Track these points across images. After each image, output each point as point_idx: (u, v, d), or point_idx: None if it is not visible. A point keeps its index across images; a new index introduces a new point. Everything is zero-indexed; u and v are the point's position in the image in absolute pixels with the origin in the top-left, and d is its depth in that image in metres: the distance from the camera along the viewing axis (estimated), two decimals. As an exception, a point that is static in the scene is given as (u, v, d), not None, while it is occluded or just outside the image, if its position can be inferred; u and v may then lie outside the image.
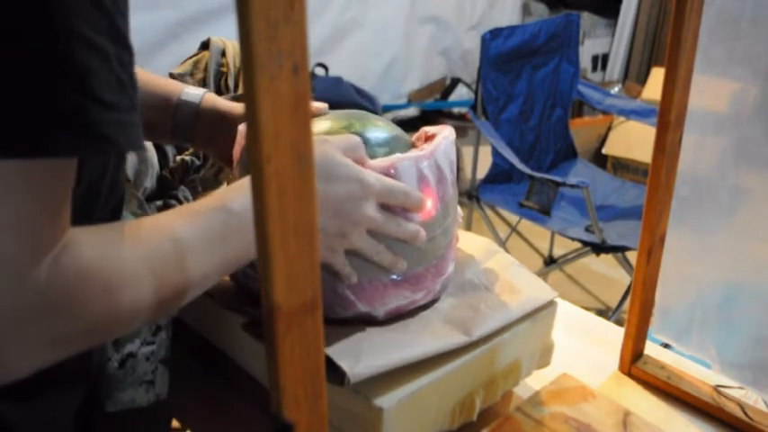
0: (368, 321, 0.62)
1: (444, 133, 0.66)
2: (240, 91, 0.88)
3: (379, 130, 0.65)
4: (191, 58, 0.90)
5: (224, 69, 0.89)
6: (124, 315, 0.45)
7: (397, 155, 0.62)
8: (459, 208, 0.70)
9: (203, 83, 0.88)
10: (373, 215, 0.58)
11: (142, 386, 0.65)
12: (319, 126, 0.64)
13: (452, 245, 0.68)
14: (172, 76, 0.87)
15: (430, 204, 0.62)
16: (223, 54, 0.90)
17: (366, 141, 0.62)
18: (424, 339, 0.60)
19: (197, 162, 0.86)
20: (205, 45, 0.90)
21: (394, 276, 0.62)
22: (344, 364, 0.55)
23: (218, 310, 0.69)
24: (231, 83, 0.88)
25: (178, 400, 0.71)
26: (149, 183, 0.81)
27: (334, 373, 0.54)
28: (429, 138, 0.68)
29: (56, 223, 0.42)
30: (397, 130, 0.68)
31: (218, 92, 0.87)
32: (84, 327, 0.44)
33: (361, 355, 0.56)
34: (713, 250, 0.75)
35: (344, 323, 0.62)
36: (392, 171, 0.60)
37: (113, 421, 0.64)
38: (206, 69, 0.88)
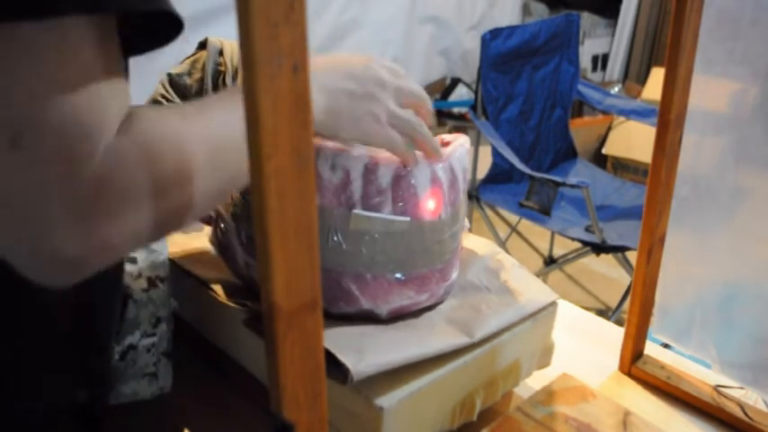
0: (371, 319, 0.63)
1: (460, 141, 0.68)
2: (240, 90, 0.88)
3: None
4: (189, 57, 0.90)
5: (222, 68, 0.89)
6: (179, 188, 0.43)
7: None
8: (466, 219, 0.70)
9: (201, 82, 0.88)
10: (388, 78, 0.55)
11: (144, 378, 0.65)
12: None
13: (458, 252, 0.68)
14: (171, 75, 0.87)
15: (434, 206, 0.63)
16: (221, 53, 0.90)
17: None
18: (427, 339, 0.61)
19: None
20: (203, 45, 0.90)
21: (398, 275, 0.62)
22: (348, 361, 0.55)
23: (218, 308, 0.69)
24: (229, 81, 0.88)
25: (178, 400, 0.71)
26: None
27: (337, 369, 0.54)
28: (445, 144, 0.69)
29: (121, 91, 0.42)
30: None
31: (217, 91, 0.87)
32: (155, 188, 0.42)
33: (365, 353, 0.56)
34: (713, 250, 0.75)
35: (348, 320, 0.62)
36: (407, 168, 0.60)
37: (118, 414, 0.64)
38: (204, 69, 0.88)
